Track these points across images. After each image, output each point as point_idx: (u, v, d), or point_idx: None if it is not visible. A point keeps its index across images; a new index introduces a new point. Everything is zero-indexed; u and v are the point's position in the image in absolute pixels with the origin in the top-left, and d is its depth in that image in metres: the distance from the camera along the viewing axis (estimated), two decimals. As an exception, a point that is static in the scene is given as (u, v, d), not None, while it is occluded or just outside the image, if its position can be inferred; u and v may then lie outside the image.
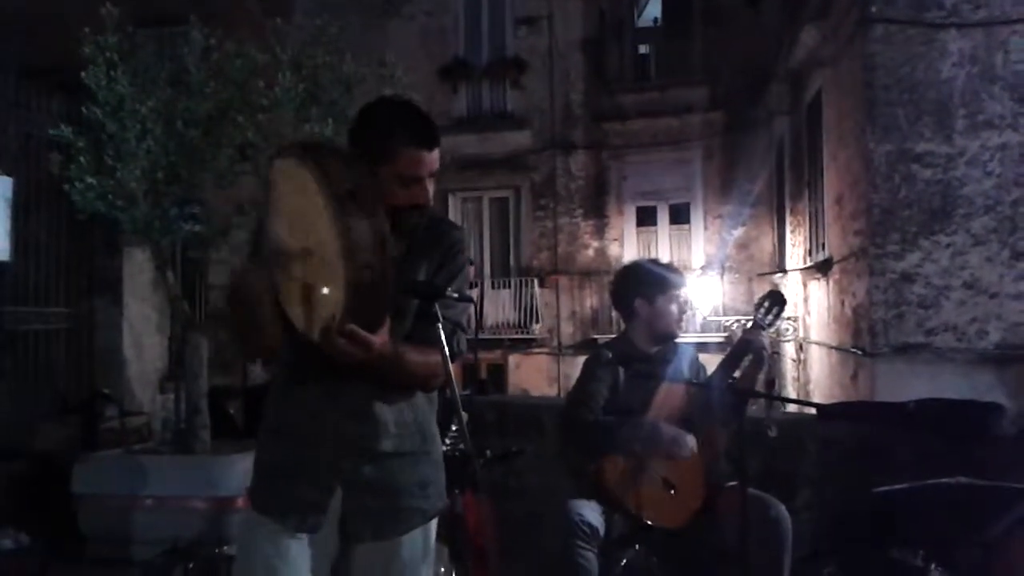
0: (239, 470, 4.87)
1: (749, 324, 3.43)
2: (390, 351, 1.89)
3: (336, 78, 5.60)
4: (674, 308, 3.48)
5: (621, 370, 3.35)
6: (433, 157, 2.04)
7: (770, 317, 3.36)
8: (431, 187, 2.08)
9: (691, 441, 3.21)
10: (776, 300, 3.42)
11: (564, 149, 15.85)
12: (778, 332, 12.58)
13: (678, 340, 3.61)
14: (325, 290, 1.74)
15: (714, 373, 3.37)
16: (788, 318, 12.54)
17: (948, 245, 7.62)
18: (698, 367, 3.57)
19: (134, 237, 5.42)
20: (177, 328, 6.29)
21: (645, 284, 3.51)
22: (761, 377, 3.32)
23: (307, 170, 1.73)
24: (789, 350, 13.08)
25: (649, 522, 3.11)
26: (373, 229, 1.71)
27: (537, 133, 15.87)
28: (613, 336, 3.73)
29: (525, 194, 16.05)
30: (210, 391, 5.60)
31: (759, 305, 3.41)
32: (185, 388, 5.55)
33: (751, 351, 3.31)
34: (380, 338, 1.83)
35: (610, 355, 3.36)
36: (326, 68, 5.57)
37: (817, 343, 10.92)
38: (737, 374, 3.29)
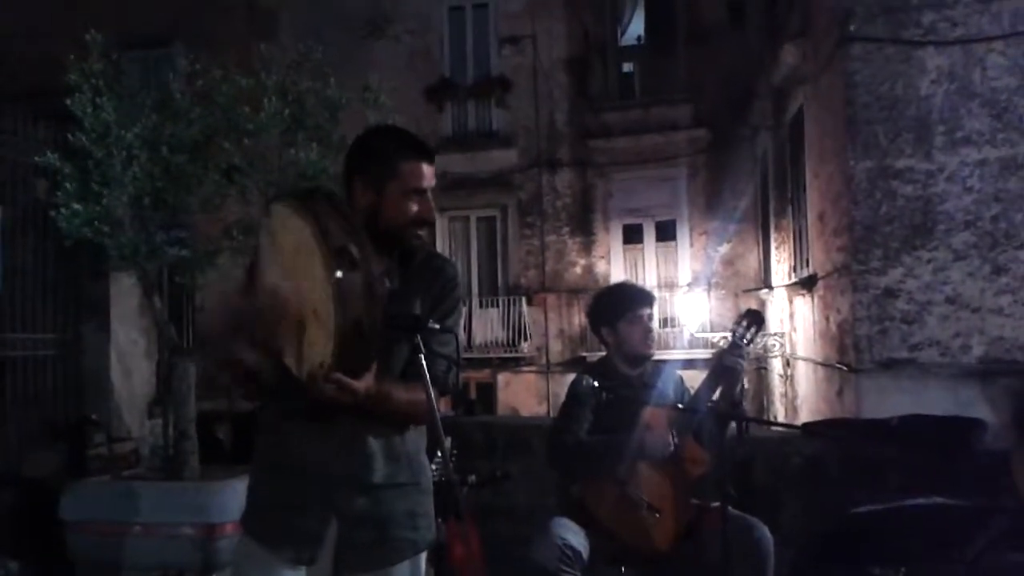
0: (228, 496, 4.84)
1: (727, 343, 3.44)
2: (376, 393, 1.94)
3: (321, 103, 5.64)
4: (638, 329, 3.51)
5: (604, 394, 3.39)
6: (431, 171, 2.15)
7: (748, 335, 3.38)
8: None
9: (669, 438, 3.24)
10: (754, 319, 3.43)
11: (550, 167, 15.92)
12: (765, 348, 12.64)
13: (661, 360, 3.65)
14: (315, 338, 1.80)
15: (695, 394, 3.39)
16: (775, 334, 12.59)
17: (930, 260, 7.67)
18: (682, 389, 3.60)
19: (121, 262, 5.42)
20: (164, 353, 6.29)
21: (606, 312, 3.59)
22: (737, 395, 3.33)
23: (306, 222, 1.79)
24: (776, 366, 13.13)
25: (633, 546, 3.14)
26: (364, 283, 1.77)
27: (523, 151, 15.93)
28: (601, 354, 3.77)
29: (512, 212, 16.10)
30: (198, 416, 5.58)
31: (737, 324, 3.42)
32: (173, 413, 5.54)
33: (728, 370, 3.33)
34: (365, 383, 1.89)
35: (592, 380, 3.41)
36: (311, 93, 5.61)
37: (803, 359, 10.97)
38: (716, 395, 3.32)
